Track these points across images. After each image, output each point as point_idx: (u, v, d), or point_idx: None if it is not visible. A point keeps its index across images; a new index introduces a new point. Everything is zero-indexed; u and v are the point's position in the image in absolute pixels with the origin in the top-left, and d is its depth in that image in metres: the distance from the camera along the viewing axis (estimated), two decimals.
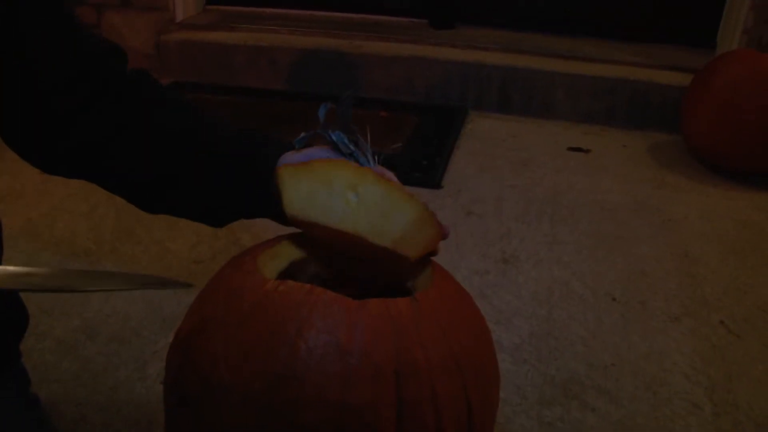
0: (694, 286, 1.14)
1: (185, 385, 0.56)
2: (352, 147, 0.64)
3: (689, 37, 1.90)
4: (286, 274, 0.64)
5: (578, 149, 1.64)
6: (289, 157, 0.66)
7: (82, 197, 1.34)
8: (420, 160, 1.54)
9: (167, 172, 0.66)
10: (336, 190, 0.58)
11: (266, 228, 0.67)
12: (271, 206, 0.66)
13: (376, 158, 0.66)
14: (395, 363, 0.53)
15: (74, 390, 0.87)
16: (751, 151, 1.48)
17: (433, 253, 0.64)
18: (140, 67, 0.69)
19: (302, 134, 0.65)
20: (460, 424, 0.57)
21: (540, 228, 1.30)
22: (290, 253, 0.64)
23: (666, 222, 1.34)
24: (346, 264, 0.66)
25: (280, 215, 0.71)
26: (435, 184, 1.44)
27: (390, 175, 0.63)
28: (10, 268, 0.56)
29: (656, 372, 0.94)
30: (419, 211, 0.59)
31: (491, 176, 1.51)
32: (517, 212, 1.36)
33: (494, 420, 0.65)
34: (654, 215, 1.36)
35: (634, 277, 1.16)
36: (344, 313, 0.53)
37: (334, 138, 0.64)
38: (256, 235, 1.20)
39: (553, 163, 1.58)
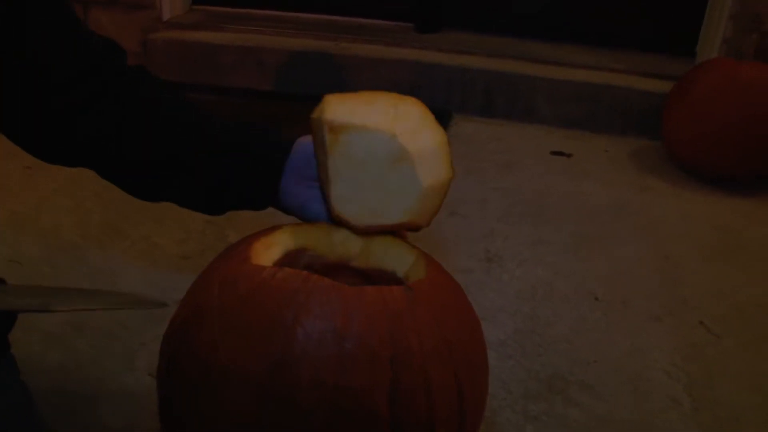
0: (674, 287, 1.16)
1: (182, 371, 0.57)
2: None
3: (670, 45, 1.93)
4: (279, 265, 0.65)
5: (561, 153, 1.66)
6: (305, 139, 0.68)
7: (69, 192, 1.34)
8: None
9: (170, 159, 0.67)
10: (377, 106, 0.61)
11: (254, 227, 0.69)
12: (274, 193, 0.67)
13: None
14: (390, 348, 0.54)
15: (62, 382, 0.87)
16: (729, 158, 1.51)
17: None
18: (138, 64, 0.70)
19: None
20: (451, 411, 0.58)
21: (523, 229, 1.32)
22: (285, 243, 0.65)
23: (647, 225, 1.37)
24: (340, 253, 0.67)
25: (279, 202, 0.72)
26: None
27: None
28: None
29: (638, 369, 0.96)
30: (443, 137, 0.63)
31: (475, 178, 1.52)
32: (500, 213, 1.38)
33: (484, 409, 0.66)
34: (635, 218, 1.39)
35: (615, 277, 1.18)
36: (341, 299, 0.54)
37: None
38: (243, 232, 1.21)
39: (536, 167, 1.60)
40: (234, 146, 0.69)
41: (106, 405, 0.84)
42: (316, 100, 0.65)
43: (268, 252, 0.62)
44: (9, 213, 1.26)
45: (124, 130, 0.67)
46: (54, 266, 1.11)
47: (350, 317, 0.54)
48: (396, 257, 0.66)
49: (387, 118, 0.61)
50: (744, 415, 0.89)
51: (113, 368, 0.90)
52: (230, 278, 0.57)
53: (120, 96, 0.67)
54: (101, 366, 0.90)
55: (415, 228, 0.66)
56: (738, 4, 1.67)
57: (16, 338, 0.91)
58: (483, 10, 2.05)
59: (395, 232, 0.67)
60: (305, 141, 0.69)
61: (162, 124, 0.68)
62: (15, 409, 0.71)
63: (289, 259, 0.65)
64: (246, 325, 0.53)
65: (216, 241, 1.20)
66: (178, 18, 2.06)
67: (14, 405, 0.72)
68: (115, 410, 0.84)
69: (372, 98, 0.62)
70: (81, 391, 0.86)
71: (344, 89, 1.97)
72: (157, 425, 0.82)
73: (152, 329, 0.96)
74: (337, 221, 0.65)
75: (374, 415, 0.53)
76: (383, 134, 0.60)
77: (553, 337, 1.02)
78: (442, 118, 1.81)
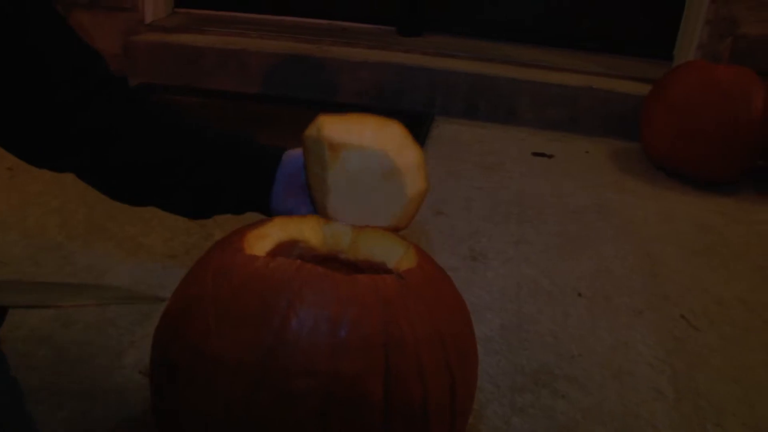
0: (655, 283, 1.18)
1: (176, 359, 0.57)
2: None
3: (648, 49, 1.97)
4: (272, 255, 0.66)
5: (542, 154, 1.68)
6: (294, 152, 0.72)
7: (53, 193, 1.33)
8: None
9: (163, 163, 0.68)
10: (368, 126, 0.69)
11: (240, 225, 0.70)
12: (265, 200, 0.69)
13: None
14: (383, 336, 0.55)
15: (50, 378, 0.87)
16: (705, 159, 1.54)
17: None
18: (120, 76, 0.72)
19: None
20: (443, 398, 0.59)
21: (507, 228, 1.34)
22: (277, 234, 0.65)
23: (627, 224, 1.39)
24: (331, 246, 0.68)
25: (267, 207, 0.74)
26: None
27: None
28: None
29: (622, 362, 0.98)
30: (421, 154, 0.71)
31: (459, 178, 1.54)
32: (484, 213, 1.39)
33: (473, 399, 0.67)
34: (616, 217, 1.41)
35: (598, 274, 1.20)
36: (334, 287, 0.55)
37: None
38: (228, 232, 1.21)
39: (519, 168, 1.62)
40: (226, 152, 0.73)
41: (95, 401, 0.84)
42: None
43: (261, 243, 0.63)
44: None
45: (119, 130, 0.68)
46: (39, 266, 1.11)
47: (343, 305, 0.54)
48: (386, 249, 0.67)
49: (377, 137, 0.69)
50: (725, 406, 0.91)
51: (102, 365, 0.90)
52: (224, 268, 0.57)
53: (113, 96, 0.68)
54: (90, 363, 0.90)
55: (396, 230, 0.72)
56: (713, 9, 1.71)
57: (3, 336, 0.90)
58: (465, 14, 2.07)
59: None
60: (295, 153, 0.75)
61: (156, 128, 0.69)
62: (5, 406, 0.71)
63: (281, 251, 0.66)
64: (239, 314, 0.54)
65: (202, 240, 1.20)
66: (161, 21, 2.06)
67: (5, 402, 0.71)
68: (104, 407, 0.83)
69: (362, 119, 0.69)
70: (70, 388, 0.86)
71: (327, 92, 1.98)
72: (147, 420, 0.82)
73: (141, 328, 0.96)
74: None
75: (368, 401, 0.54)
76: (377, 151, 0.68)
77: (539, 333, 1.03)
78: (425, 120, 1.83)
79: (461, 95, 1.87)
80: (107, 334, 0.95)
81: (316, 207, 0.72)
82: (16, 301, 0.60)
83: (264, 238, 0.63)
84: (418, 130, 1.77)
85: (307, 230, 0.67)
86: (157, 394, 0.60)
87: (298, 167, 0.74)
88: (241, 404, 0.53)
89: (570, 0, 2.01)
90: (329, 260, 0.70)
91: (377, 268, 0.68)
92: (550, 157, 1.68)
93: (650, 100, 1.62)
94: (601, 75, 1.86)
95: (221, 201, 0.74)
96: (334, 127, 0.68)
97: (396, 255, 0.67)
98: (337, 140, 0.67)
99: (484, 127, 1.85)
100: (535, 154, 1.68)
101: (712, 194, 1.54)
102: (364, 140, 0.68)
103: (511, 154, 1.69)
